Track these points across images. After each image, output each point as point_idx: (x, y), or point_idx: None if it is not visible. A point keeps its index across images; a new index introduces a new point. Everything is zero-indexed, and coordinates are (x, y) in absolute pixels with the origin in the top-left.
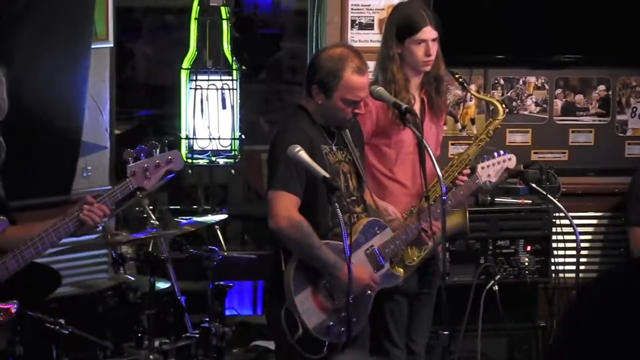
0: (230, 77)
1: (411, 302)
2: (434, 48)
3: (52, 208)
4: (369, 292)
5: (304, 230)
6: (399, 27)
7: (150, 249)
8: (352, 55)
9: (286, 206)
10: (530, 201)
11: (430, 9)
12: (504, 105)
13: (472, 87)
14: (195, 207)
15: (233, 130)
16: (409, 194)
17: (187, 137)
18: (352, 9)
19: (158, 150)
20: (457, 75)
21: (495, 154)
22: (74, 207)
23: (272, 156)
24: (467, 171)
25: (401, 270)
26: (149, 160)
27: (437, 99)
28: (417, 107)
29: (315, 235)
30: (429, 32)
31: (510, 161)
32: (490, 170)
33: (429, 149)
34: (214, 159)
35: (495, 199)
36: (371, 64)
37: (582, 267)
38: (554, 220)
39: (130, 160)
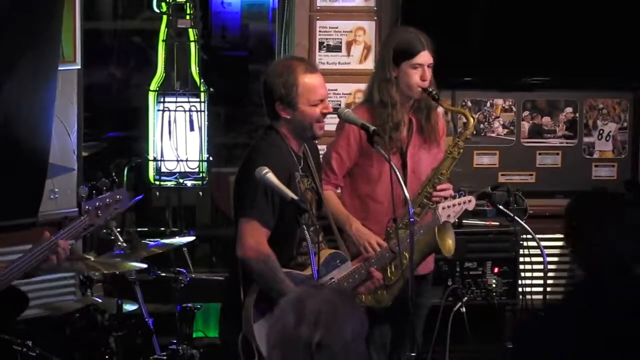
0: (198, 99)
1: (393, 323)
2: (429, 74)
3: (20, 231)
4: None
5: (270, 265)
6: (396, 51)
7: (117, 271)
8: (297, 61)
9: (256, 237)
10: (497, 223)
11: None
12: (473, 115)
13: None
14: (162, 229)
15: (201, 152)
16: (389, 213)
17: (154, 159)
18: (320, 31)
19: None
20: (427, 89)
21: (457, 195)
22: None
23: (247, 180)
24: (443, 186)
25: (383, 294)
26: (101, 198)
27: (427, 126)
28: (404, 132)
29: (280, 270)
30: (425, 57)
31: (470, 203)
32: (450, 211)
33: (396, 171)
34: (181, 181)
35: (463, 221)
36: (340, 86)
37: (549, 289)
38: (521, 242)
39: (83, 198)
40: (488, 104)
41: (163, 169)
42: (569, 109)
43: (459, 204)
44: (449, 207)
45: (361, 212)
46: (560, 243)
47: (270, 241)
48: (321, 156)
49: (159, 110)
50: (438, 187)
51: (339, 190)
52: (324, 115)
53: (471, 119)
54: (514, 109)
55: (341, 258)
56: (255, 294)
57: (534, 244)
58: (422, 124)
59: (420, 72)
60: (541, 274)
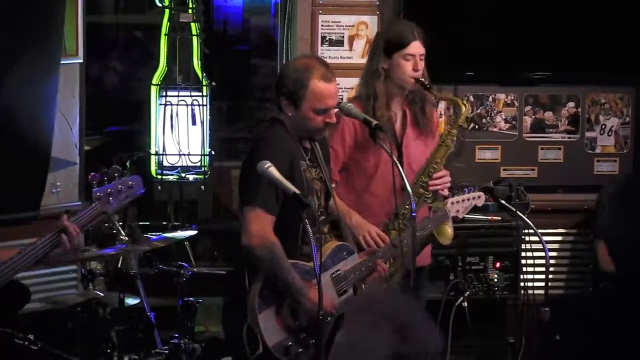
0: (200, 93)
1: None
2: (422, 64)
3: (21, 224)
4: (328, 318)
5: (276, 252)
6: (388, 42)
7: (119, 265)
8: (318, 64)
9: (261, 225)
10: (499, 218)
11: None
12: (464, 101)
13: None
14: (164, 223)
15: (203, 146)
16: (385, 207)
17: (156, 153)
18: (322, 25)
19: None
20: (419, 79)
21: (466, 190)
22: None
23: (250, 171)
24: (439, 174)
25: None
26: (112, 185)
27: (422, 118)
28: (398, 124)
29: (285, 258)
30: (417, 47)
31: (479, 199)
32: (459, 206)
33: (398, 165)
34: (183, 175)
35: (465, 216)
36: (342, 80)
37: (551, 284)
38: (523, 237)
39: (94, 185)
40: (490, 99)
41: (165, 163)
42: (571, 104)
43: (468, 199)
44: (457, 202)
45: (356, 206)
46: (561, 238)
47: (275, 232)
48: None
49: (161, 104)
50: (434, 176)
51: (334, 185)
52: (326, 125)
53: (463, 107)
54: (516, 104)
55: (348, 250)
56: (261, 283)
57: (535, 238)
58: (418, 116)
59: (412, 63)
60: (543, 269)
